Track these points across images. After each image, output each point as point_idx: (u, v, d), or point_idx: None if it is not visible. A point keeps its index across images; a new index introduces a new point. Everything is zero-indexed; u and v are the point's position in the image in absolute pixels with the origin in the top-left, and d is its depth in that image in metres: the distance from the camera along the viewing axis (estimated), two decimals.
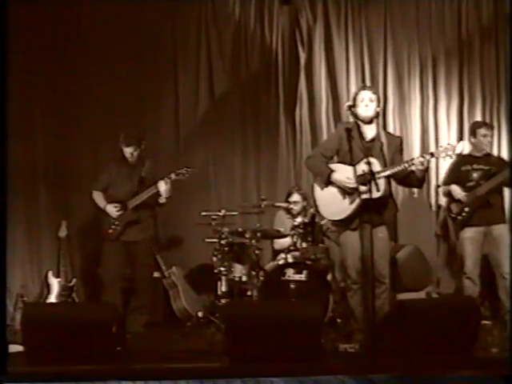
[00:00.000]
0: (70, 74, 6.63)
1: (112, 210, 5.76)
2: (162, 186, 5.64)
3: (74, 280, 6.11)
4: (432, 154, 4.69)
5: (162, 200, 5.74)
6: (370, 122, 4.87)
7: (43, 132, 6.59)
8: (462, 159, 5.81)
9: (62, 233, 6.18)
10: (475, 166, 5.74)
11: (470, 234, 5.71)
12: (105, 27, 6.67)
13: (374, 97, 4.87)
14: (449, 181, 5.87)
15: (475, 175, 5.72)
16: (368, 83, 6.74)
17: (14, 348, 4.62)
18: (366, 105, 4.83)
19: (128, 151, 5.83)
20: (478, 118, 6.87)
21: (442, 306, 4.98)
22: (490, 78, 6.92)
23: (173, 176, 5.67)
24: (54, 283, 6.00)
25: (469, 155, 5.85)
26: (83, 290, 6.40)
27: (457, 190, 5.74)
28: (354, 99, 4.88)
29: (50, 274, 6.02)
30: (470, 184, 5.71)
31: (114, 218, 5.74)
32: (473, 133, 5.85)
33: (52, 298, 5.95)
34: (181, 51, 6.93)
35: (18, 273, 6.29)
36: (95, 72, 6.64)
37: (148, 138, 6.05)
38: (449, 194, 5.84)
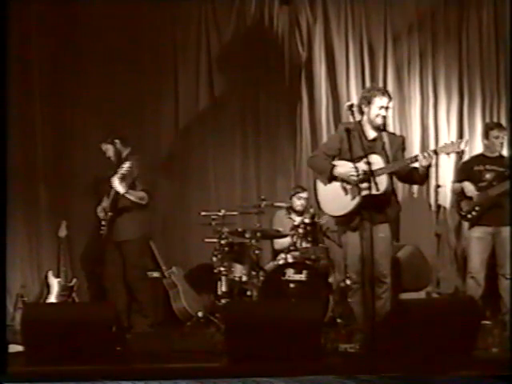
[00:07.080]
0: (69, 74, 6.61)
1: (98, 211, 5.84)
2: (116, 186, 5.57)
3: (74, 280, 6.11)
4: (435, 152, 4.66)
5: (132, 198, 5.66)
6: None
7: (43, 132, 6.58)
8: (474, 159, 5.86)
9: (62, 233, 6.19)
10: (488, 167, 5.74)
11: (478, 233, 5.72)
12: (105, 27, 6.65)
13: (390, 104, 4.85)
14: (460, 179, 5.88)
15: (488, 176, 5.71)
16: (368, 83, 6.75)
17: (14, 348, 4.63)
18: (384, 115, 4.81)
19: (104, 149, 5.89)
20: (478, 117, 6.88)
21: (442, 305, 4.98)
22: (490, 77, 6.91)
23: (120, 172, 5.55)
24: (54, 283, 6.00)
25: (482, 155, 5.87)
26: (86, 290, 6.40)
27: (469, 187, 5.72)
28: (368, 100, 4.81)
29: (50, 274, 6.03)
30: (483, 184, 5.71)
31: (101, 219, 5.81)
32: (485, 134, 5.85)
33: (52, 298, 5.95)
34: (181, 51, 6.91)
35: (18, 273, 6.28)
36: (95, 72, 6.63)
37: (148, 138, 6.04)
38: (459, 192, 5.83)
